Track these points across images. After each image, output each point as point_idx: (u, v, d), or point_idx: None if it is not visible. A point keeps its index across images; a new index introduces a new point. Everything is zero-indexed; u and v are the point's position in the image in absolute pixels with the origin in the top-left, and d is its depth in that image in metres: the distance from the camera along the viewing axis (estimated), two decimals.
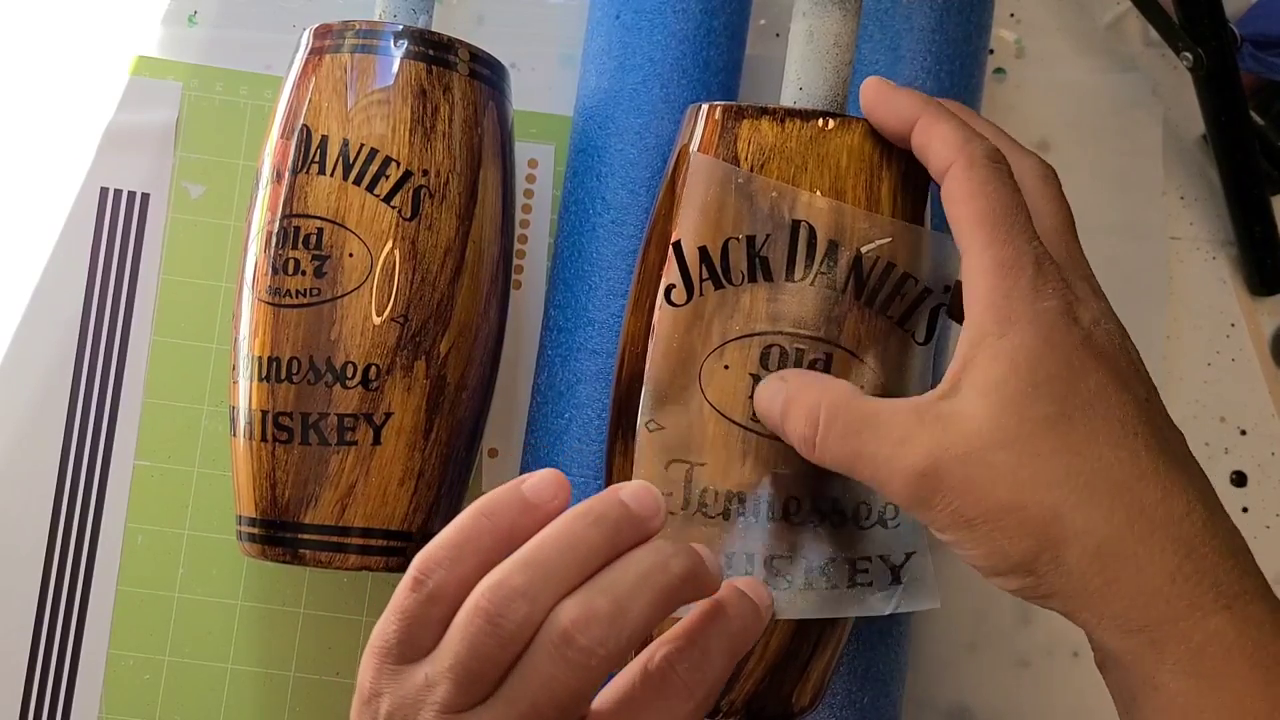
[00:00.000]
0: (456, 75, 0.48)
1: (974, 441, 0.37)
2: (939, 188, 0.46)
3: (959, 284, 0.43)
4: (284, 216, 0.47)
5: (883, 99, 0.42)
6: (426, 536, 0.44)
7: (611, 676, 0.37)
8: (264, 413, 0.47)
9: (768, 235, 0.42)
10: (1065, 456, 0.37)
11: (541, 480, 0.36)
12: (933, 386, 0.40)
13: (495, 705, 0.34)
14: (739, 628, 0.38)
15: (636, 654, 0.37)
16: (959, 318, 0.41)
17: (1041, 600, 0.38)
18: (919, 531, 0.44)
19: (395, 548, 0.47)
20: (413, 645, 0.35)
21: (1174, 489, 0.37)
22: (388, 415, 0.46)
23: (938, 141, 0.41)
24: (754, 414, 0.42)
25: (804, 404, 0.40)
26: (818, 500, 0.43)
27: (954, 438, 0.38)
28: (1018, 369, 0.38)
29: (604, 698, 0.37)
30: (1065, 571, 0.37)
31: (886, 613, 0.43)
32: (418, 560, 0.35)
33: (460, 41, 0.49)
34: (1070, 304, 0.39)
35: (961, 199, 0.40)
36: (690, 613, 0.38)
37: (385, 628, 0.35)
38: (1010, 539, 0.37)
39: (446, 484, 0.49)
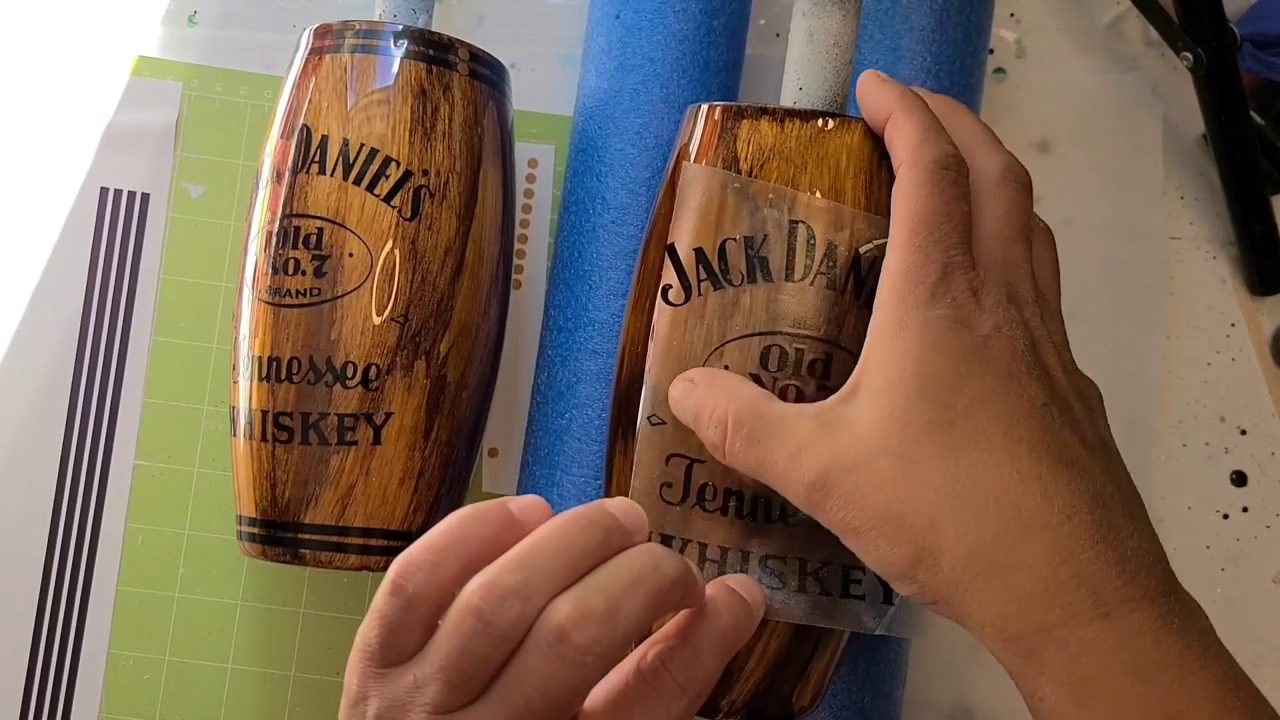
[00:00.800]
0: (456, 75, 0.48)
1: (860, 448, 0.38)
2: None
3: None
4: (284, 216, 0.47)
5: (867, 92, 0.43)
6: None
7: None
8: (264, 412, 0.47)
9: (765, 235, 0.42)
10: (944, 462, 0.37)
11: (529, 503, 0.36)
12: None
13: (488, 705, 0.34)
14: (730, 625, 0.38)
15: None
16: None
17: (932, 606, 0.38)
18: None
19: (395, 548, 0.47)
20: (395, 649, 0.35)
21: (1056, 493, 0.37)
22: (388, 415, 0.46)
23: (898, 139, 0.41)
24: None
25: (710, 409, 0.40)
26: None
27: (844, 445, 0.38)
28: (904, 373, 0.38)
29: (596, 696, 0.37)
30: (943, 578, 0.37)
31: (875, 632, 0.43)
32: (397, 564, 0.35)
33: (460, 41, 0.49)
34: (968, 312, 0.38)
35: (897, 200, 0.40)
36: (681, 612, 0.38)
37: (367, 632, 0.35)
38: (891, 546, 0.37)
39: (446, 484, 0.49)
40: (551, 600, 0.34)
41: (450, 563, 0.35)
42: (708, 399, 0.41)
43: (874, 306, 0.40)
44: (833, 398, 0.39)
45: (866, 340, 0.39)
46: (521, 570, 0.34)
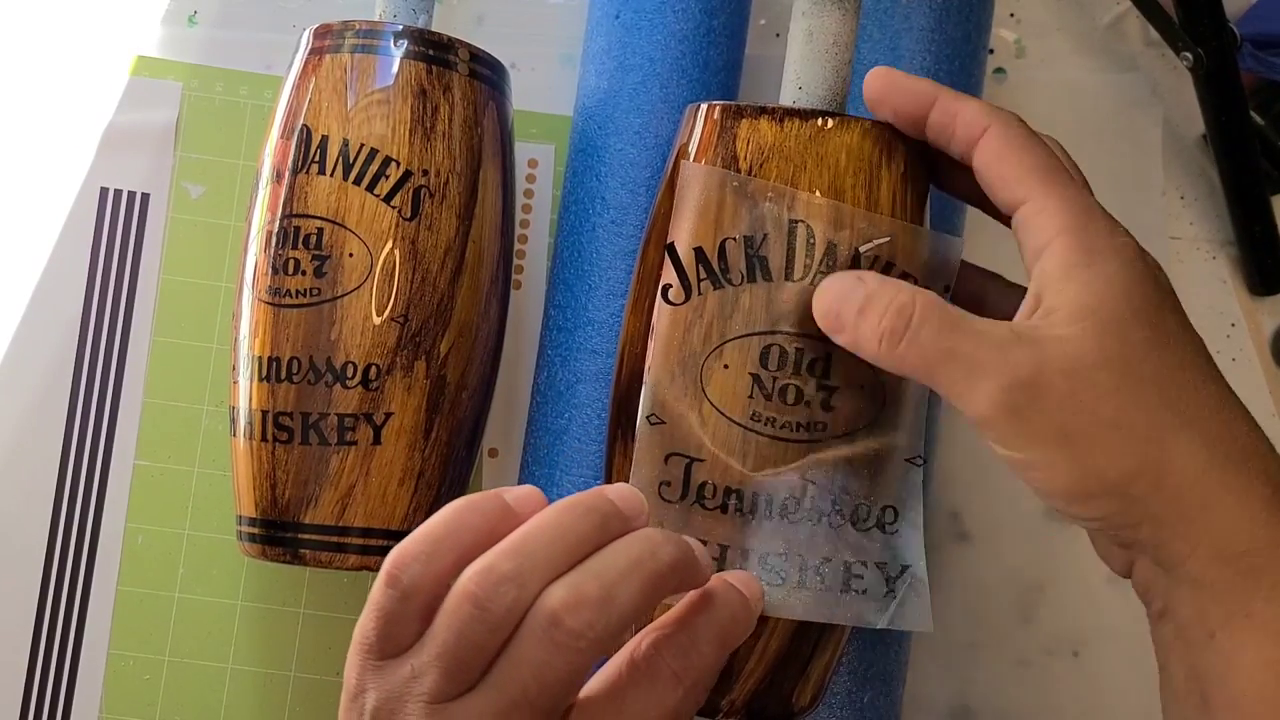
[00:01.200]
0: (456, 75, 0.48)
1: (1077, 358, 0.37)
2: (938, 190, 0.46)
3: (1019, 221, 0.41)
4: (284, 216, 0.47)
5: (896, 84, 0.43)
6: None
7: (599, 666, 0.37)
8: (264, 413, 0.47)
9: (765, 235, 0.42)
10: (1164, 381, 0.37)
11: (525, 493, 0.37)
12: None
13: (484, 692, 0.34)
14: (728, 617, 0.38)
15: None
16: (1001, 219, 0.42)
17: (1125, 530, 0.38)
18: (917, 544, 0.44)
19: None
20: (392, 641, 0.35)
21: (1254, 424, 0.38)
22: (388, 415, 0.46)
23: (966, 113, 0.41)
24: (754, 413, 0.42)
25: (891, 299, 0.39)
26: (816, 500, 0.43)
27: (1056, 354, 0.37)
28: (1113, 295, 0.38)
29: (591, 686, 0.36)
30: (1164, 495, 0.37)
31: (879, 626, 0.43)
32: (392, 556, 0.35)
33: (460, 41, 0.49)
34: (1138, 244, 0.39)
35: (1008, 154, 0.40)
36: (679, 602, 0.38)
37: (364, 625, 0.35)
38: (1110, 457, 0.37)
39: (446, 484, 0.49)
40: (547, 586, 0.34)
41: (445, 554, 0.35)
42: (883, 287, 0.40)
43: (1036, 243, 0.39)
44: (1019, 321, 0.39)
45: (1042, 269, 0.39)
46: (517, 557, 0.34)
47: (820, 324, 0.41)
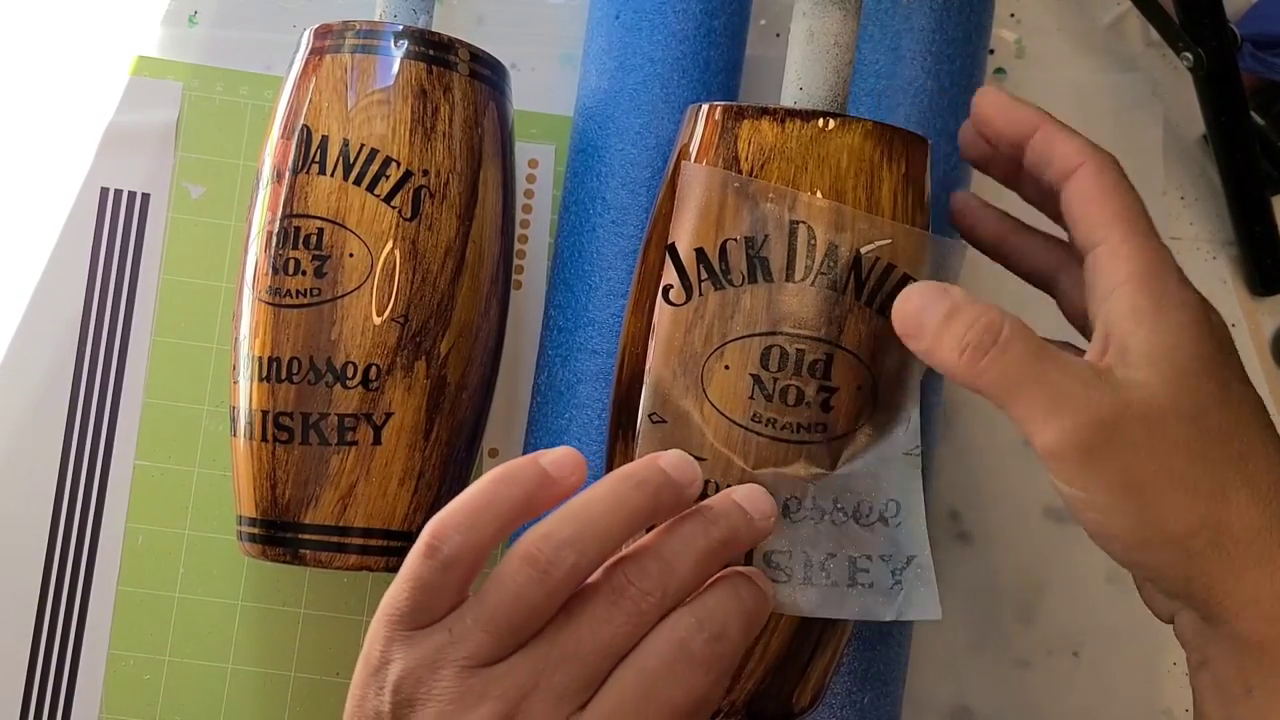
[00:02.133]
0: (457, 75, 0.48)
1: (1153, 406, 0.37)
2: (937, 190, 0.46)
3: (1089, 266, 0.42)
4: (284, 216, 0.47)
5: (1002, 107, 0.43)
6: None
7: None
8: (264, 413, 0.47)
9: (766, 236, 0.42)
10: (1230, 437, 0.37)
11: (561, 456, 0.37)
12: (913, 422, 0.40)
13: (530, 653, 0.34)
14: (719, 539, 0.38)
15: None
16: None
17: (1178, 582, 0.38)
18: (920, 534, 0.44)
19: (395, 548, 0.47)
20: (426, 611, 0.35)
21: None
22: (388, 415, 0.46)
23: (1065, 145, 0.42)
24: (754, 414, 0.42)
25: (979, 315, 0.39)
26: (817, 499, 0.43)
27: (1136, 398, 0.37)
28: (1183, 344, 0.38)
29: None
30: (1220, 553, 0.37)
31: (888, 619, 0.43)
32: (431, 526, 0.35)
33: (460, 41, 0.49)
34: (1205, 300, 0.40)
35: (1096, 196, 0.40)
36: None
37: (396, 596, 0.35)
38: (1173, 509, 0.37)
39: (447, 484, 0.49)
40: (604, 556, 0.35)
41: (485, 524, 0.35)
42: (969, 302, 0.39)
43: (1107, 287, 0.39)
44: (1086, 357, 0.39)
45: (1116, 313, 0.39)
46: (576, 524, 0.35)
47: (898, 328, 0.40)
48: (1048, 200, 0.44)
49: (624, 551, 0.37)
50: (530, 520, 0.37)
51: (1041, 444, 0.37)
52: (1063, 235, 0.44)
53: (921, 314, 0.39)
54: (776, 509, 0.40)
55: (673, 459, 0.38)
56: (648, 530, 0.38)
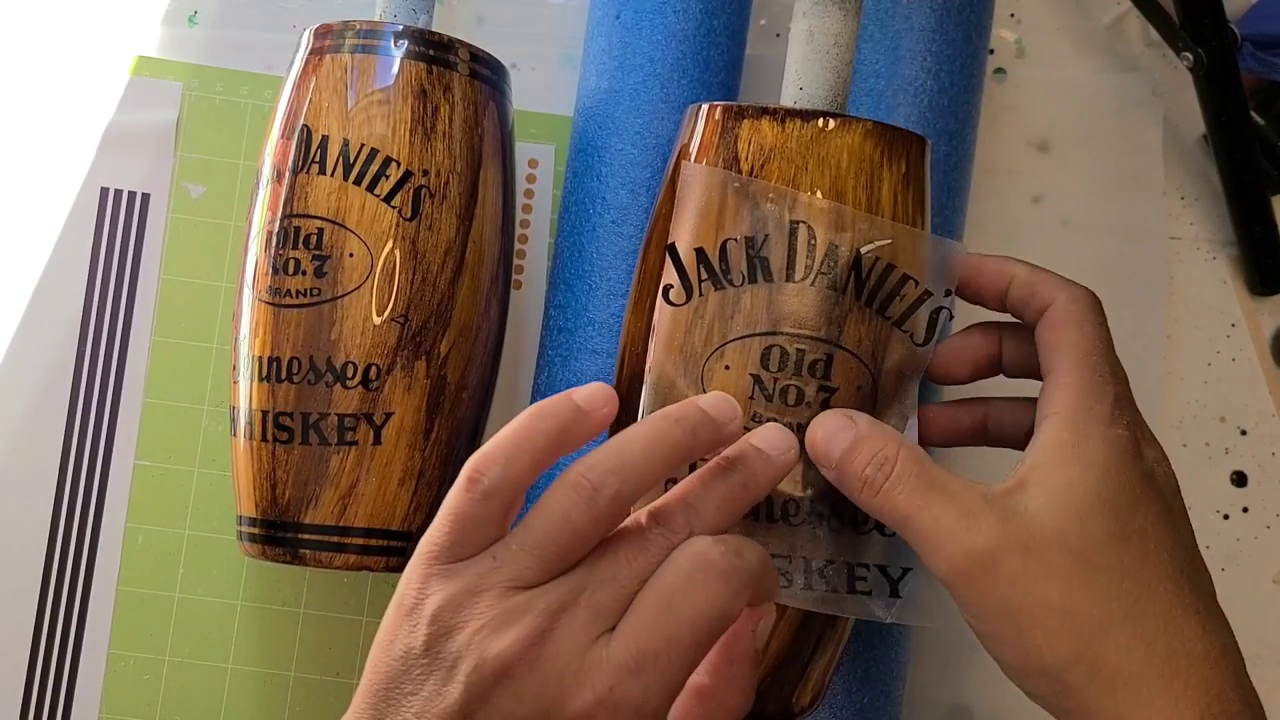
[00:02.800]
0: (457, 75, 0.48)
1: (1036, 537, 0.38)
2: (937, 189, 0.46)
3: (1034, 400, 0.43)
4: (284, 216, 0.47)
5: (977, 267, 0.44)
6: None
7: None
8: (264, 413, 0.47)
9: (766, 236, 0.42)
10: (1119, 574, 0.38)
11: (592, 390, 0.38)
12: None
13: (574, 575, 0.35)
14: (740, 483, 0.39)
15: None
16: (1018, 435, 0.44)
17: (1059, 713, 0.38)
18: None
19: (395, 547, 0.47)
20: (466, 544, 0.35)
21: (1211, 631, 0.38)
22: (388, 415, 0.46)
23: (1042, 285, 0.42)
24: (755, 414, 0.42)
25: (876, 448, 0.40)
26: (815, 504, 0.43)
27: (1017, 528, 0.38)
28: (1086, 481, 0.39)
29: None
30: (1098, 687, 0.37)
31: (886, 620, 0.43)
32: (471, 461, 0.35)
33: (460, 41, 0.49)
34: (1138, 439, 0.40)
35: (1060, 326, 0.42)
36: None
37: (436, 533, 0.35)
38: (1049, 641, 0.38)
39: (447, 484, 0.49)
40: (645, 489, 0.36)
41: (523, 457, 0.36)
42: (871, 434, 0.41)
43: (1043, 417, 0.40)
44: (995, 486, 0.40)
45: (1036, 443, 0.40)
46: (618, 456, 0.36)
47: (810, 453, 0.42)
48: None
49: (651, 505, 0.38)
50: (565, 458, 0.38)
51: (932, 570, 0.39)
52: None
53: (828, 444, 0.41)
54: (795, 443, 0.40)
55: (711, 398, 0.39)
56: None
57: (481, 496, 0.35)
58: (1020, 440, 0.45)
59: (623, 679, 0.33)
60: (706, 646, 0.35)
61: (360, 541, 0.46)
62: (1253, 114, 0.59)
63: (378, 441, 0.46)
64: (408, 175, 0.47)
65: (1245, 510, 0.59)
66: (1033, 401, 0.43)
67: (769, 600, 0.38)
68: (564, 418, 0.37)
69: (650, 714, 0.34)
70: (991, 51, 0.60)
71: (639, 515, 0.37)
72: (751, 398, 0.42)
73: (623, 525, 0.37)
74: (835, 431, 0.41)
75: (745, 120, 0.43)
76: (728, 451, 0.39)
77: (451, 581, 0.35)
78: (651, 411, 0.43)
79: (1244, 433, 0.60)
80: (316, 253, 0.46)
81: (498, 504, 0.35)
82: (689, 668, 0.34)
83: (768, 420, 0.42)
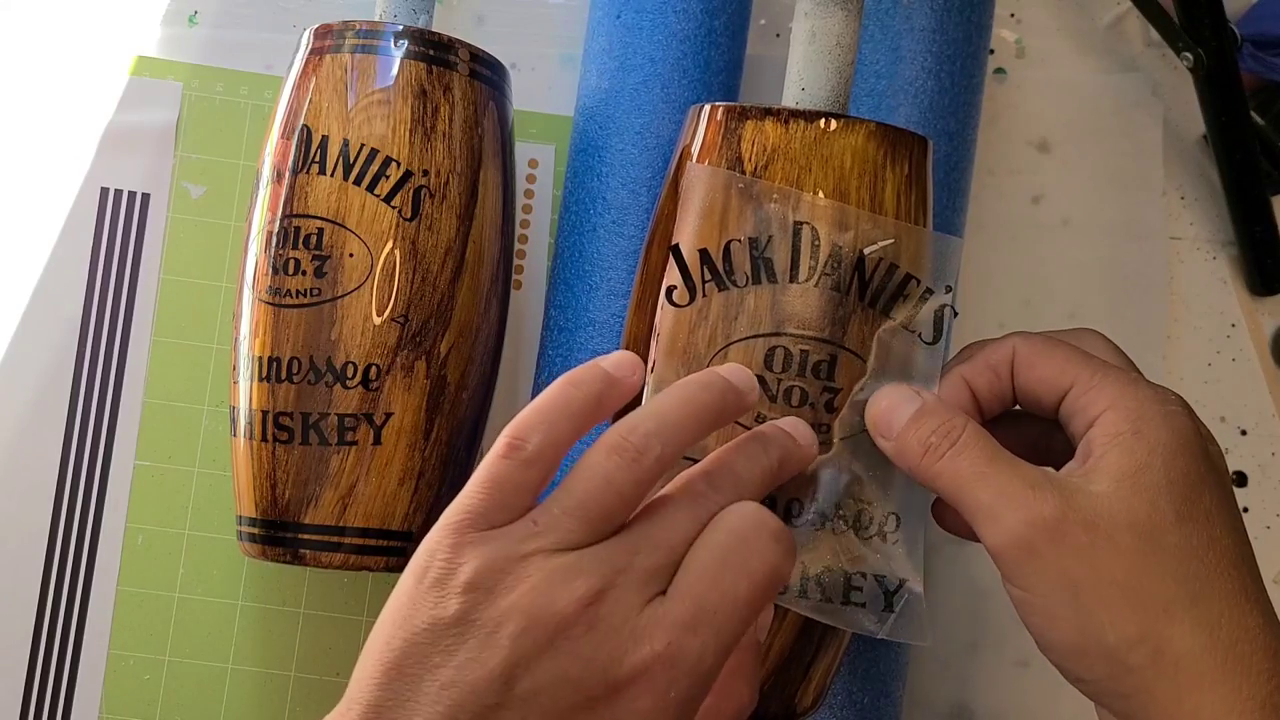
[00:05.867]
0: (457, 75, 0.48)
1: (1103, 514, 0.38)
2: (937, 189, 0.46)
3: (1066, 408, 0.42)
4: (284, 216, 0.47)
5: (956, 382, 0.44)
6: None
7: None
8: (264, 413, 0.47)
9: (770, 236, 0.42)
10: (1186, 556, 0.37)
11: (619, 358, 0.38)
12: None
13: (623, 537, 0.35)
14: (776, 460, 0.39)
15: None
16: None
17: (1113, 697, 0.38)
18: (916, 557, 0.44)
19: (395, 548, 0.47)
20: (504, 509, 0.35)
21: (1270, 619, 0.38)
22: (388, 415, 0.46)
23: (991, 349, 0.43)
24: (758, 415, 0.42)
25: (942, 418, 0.40)
26: (821, 504, 0.43)
27: (1084, 504, 0.38)
28: (1154, 463, 0.38)
29: None
30: (1159, 670, 0.37)
31: (878, 635, 0.43)
32: (510, 429, 0.35)
33: (460, 41, 0.49)
34: (1192, 414, 0.40)
35: (1037, 359, 0.41)
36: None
37: (469, 499, 0.35)
38: (1113, 618, 0.37)
39: (446, 484, 0.49)
40: (681, 451, 0.36)
41: (562, 423, 0.36)
42: (937, 407, 0.41)
43: (1090, 416, 0.40)
44: (1058, 472, 0.40)
45: (1094, 437, 0.40)
46: (655, 420, 0.36)
47: (870, 428, 0.42)
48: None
49: (698, 467, 0.38)
50: (599, 426, 0.38)
51: (988, 541, 0.39)
52: None
53: (891, 414, 0.41)
54: (815, 439, 0.41)
55: (730, 367, 0.39)
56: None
57: (523, 463, 0.35)
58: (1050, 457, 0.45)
59: (680, 635, 0.33)
60: (760, 606, 0.35)
61: (360, 541, 0.46)
62: (1253, 114, 0.59)
63: (378, 441, 0.46)
64: (408, 175, 0.47)
65: (1245, 510, 0.59)
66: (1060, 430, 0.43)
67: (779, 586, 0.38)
68: (597, 384, 0.37)
69: (705, 673, 0.33)
70: (991, 51, 0.60)
71: (689, 478, 0.37)
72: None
73: (666, 490, 0.37)
74: (900, 402, 0.41)
75: (749, 121, 0.43)
76: (763, 429, 0.40)
77: (489, 546, 0.34)
78: None
79: (1244, 433, 0.60)
80: (316, 253, 0.46)
81: (538, 471, 0.35)
82: (743, 626, 0.34)
83: (771, 421, 0.42)
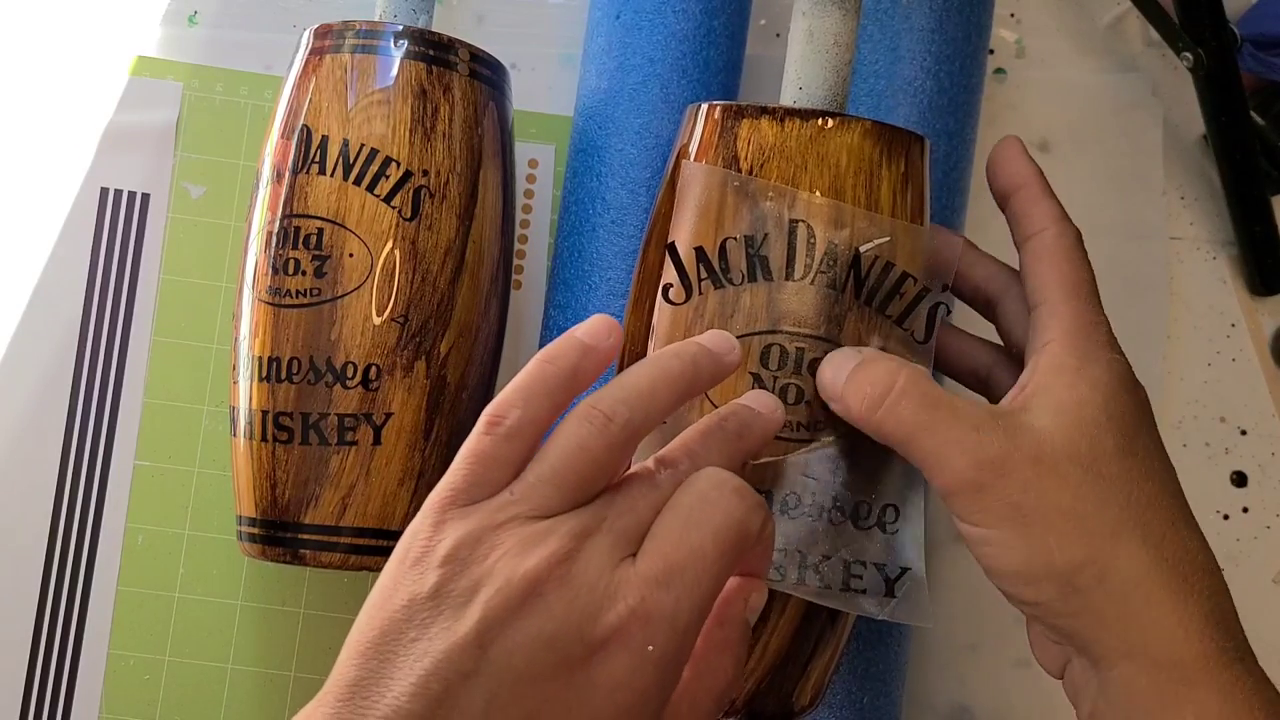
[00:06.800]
0: (456, 75, 0.48)
1: (1046, 449, 0.39)
2: (937, 189, 0.46)
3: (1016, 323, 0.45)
4: (284, 216, 0.47)
5: (1005, 159, 0.45)
6: None
7: None
8: (264, 413, 0.47)
9: (766, 235, 0.42)
10: (1127, 485, 0.39)
11: (594, 324, 0.38)
12: None
13: (594, 505, 0.35)
14: (734, 429, 0.40)
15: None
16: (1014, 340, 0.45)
17: (1064, 619, 0.39)
18: (917, 544, 0.44)
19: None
20: (484, 484, 0.35)
21: (1205, 544, 0.40)
22: (388, 415, 0.46)
23: (1041, 209, 0.44)
24: None
25: (880, 371, 0.41)
26: (817, 496, 0.43)
27: (1027, 441, 0.39)
28: (1094, 399, 0.40)
29: None
30: (1106, 590, 0.38)
31: (879, 617, 0.43)
32: (490, 408, 0.36)
33: (460, 41, 0.49)
34: (1129, 367, 0.42)
35: (1049, 259, 0.43)
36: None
37: (451, 478, 0.35)
38: (1061, 543, 0.38)
39: None
40: (652, 422, 0.37)
41: (540, 398, 0.36)
42: (876, 362, 0.41)
43: (1039, 343, 0.42)
44: (998, 406, 0.41)
45: (1039, 365, 0.41)
46: (625, 388, 0.37)
47: (821, 393, 0.43)
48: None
49: (656, 454, 0.38)
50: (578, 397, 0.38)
51: (938, 485, 0.40)
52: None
53: (835, 374, 0.42)
54: (780, 405, 0.41)
55: (708, 334, 0.40)
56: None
57: (503, 437, 0.35)
58: (983, 302, 0.47)
59: (653, 590, 0.33)
60: (730, 560, 0.35)
61: (360, 541, 0.46)
62: (1253, 114, 0.59)
63: (378, 442, 0.46)
64: (408, 175, 0.47)
65: (1245, 510, 0.59)
66: (1003, 267, 0.46)
67: (762, 568, 0.39)
68: (572, 354, 0.37)
69: (682, 628, 0.34)
70: (991, 51, 0.60)
71: (645, 463, 0.37)
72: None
73: (630, 471, 0.37)
74: (840, 364, 0.42)
75: (745, 120, 0.43)
76: (720, 409, 0.40)
77: (467, 522, 0.34)
78: None
79: (1244, 433, 0.60)
80: (316, 253, 0.46)
81: (519, 445, 0.35)
82: (716, 581, 0.35)
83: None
